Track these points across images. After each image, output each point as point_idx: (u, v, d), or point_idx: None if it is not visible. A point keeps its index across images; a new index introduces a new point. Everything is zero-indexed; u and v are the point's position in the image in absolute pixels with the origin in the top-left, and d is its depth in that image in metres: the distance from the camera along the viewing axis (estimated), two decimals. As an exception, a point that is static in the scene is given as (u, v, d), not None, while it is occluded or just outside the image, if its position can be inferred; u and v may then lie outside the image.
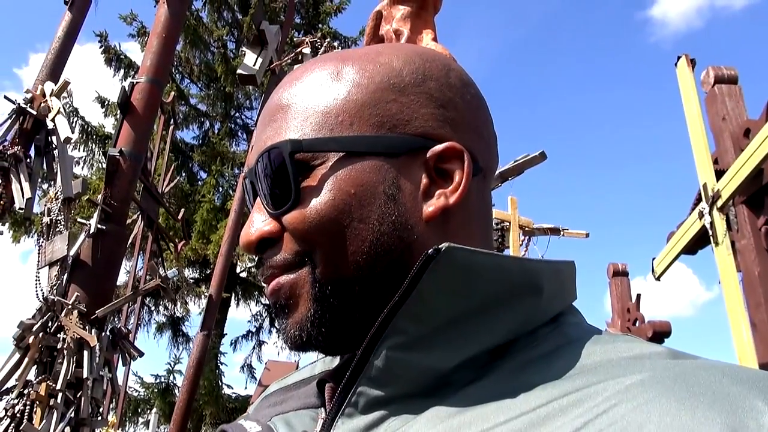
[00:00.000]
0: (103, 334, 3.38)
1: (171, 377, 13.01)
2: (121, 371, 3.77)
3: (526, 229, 7.65)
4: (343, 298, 0.45)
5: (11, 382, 3.09)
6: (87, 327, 3.25)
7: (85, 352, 3.18)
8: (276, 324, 0.51)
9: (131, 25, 13.42)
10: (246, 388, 13.98)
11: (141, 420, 12.57)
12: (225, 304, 12.46)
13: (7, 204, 3.44)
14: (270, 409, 0.52)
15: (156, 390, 12.68)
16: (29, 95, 3.65)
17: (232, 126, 14.40)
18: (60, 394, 3.04)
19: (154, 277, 3.84)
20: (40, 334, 3.12)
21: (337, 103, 0.47)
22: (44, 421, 2.96)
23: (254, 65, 4.96)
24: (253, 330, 14.43)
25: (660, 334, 5.44)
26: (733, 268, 3.33)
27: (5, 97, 3.64)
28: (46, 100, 3.63)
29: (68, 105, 11.36)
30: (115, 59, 13.20)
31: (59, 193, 3.50)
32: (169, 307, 13.23)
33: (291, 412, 0.50)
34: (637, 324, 5.75)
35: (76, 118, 12.51)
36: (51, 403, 3.01)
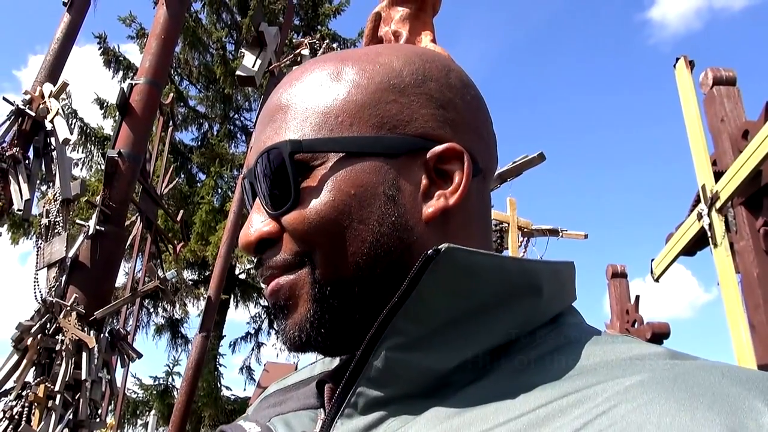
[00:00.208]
0: (102, 335, 3.38)
1: (170, 379, 13.01)
2: (119, 373, 3.78)
3: (525, 230, 7.65)
4: (343, 299, 0.45)
5: (9, 384, 3.09)
6: (85, 328, 3.25)
7: (84, 354, 3.18)
8: (275, 325, 0.51)
9: (130, 27, 13.45)
10: (245, 389, 13.99)
11: (140, 422, 12.57)
12: (224, 306, 12.44)
13: (6, 205, 3.44)
14: (269, 410, 0.52)
15: (155, 392, 12.66)
16: (28, 96, 3.65)
17: (231, 127, 14.40)
18: (58, 396, 3.03)
19: (153, 279, 3.84)
20: (39, 336, 3.12)
21: (337, 103, 0.47)
22: (42, 422, 2.95)
23: (253, 67, 4.95)
24: (252, 332, 14.45)
25: (659, 335, 5.44)
26: (731, 269, 3.32)
27: (4, 99, 3.64)
28: (45, 102, 3.63)
29: (67, 106, 11.37)
30: (114, 61, 13.20)
31: (58, 194, 3.49)
32: (168, 309, 13.21)
33: (290, 413, 0.50)
34: (635, 325, 5.74)
35: (74, 120, 12.48)
36: (49, 404, 3.00)
